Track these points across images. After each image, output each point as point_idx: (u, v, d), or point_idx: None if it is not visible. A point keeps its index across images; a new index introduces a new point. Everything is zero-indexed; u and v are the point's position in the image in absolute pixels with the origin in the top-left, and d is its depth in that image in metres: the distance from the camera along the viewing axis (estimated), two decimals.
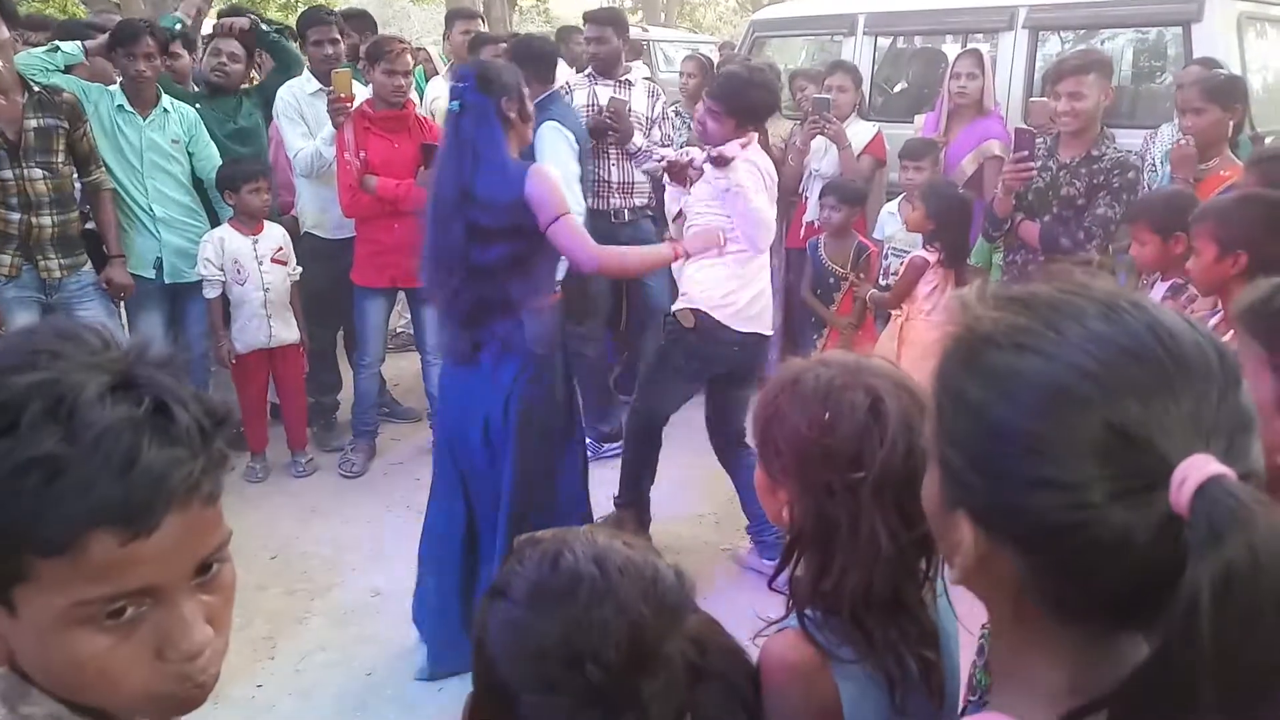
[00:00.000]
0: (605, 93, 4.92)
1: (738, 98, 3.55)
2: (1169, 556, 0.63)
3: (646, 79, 5.62)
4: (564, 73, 5.28)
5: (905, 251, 4.35)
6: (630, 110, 4.88)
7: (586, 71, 5.23)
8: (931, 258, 4.02)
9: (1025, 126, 4.23)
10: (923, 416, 1.17)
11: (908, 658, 1.21)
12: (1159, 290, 3.19)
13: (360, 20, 5.90)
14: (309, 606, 3.57)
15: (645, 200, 5.08)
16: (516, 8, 17.40)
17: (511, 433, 3.04)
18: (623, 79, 5.06)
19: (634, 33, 12.53)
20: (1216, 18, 4.75)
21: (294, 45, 5.04)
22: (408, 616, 3.39)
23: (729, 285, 3.56)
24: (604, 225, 4.77)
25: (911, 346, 3.91)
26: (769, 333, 3.76)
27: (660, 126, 5.17)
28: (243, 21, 4.78)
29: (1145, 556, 0.65)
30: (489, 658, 1.06)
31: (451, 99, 2.95)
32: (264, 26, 4.87)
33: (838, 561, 1.22)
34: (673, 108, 5.96)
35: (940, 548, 0.82)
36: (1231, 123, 3.91)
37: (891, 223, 4.72)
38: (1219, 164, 3.79)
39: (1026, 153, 3.81)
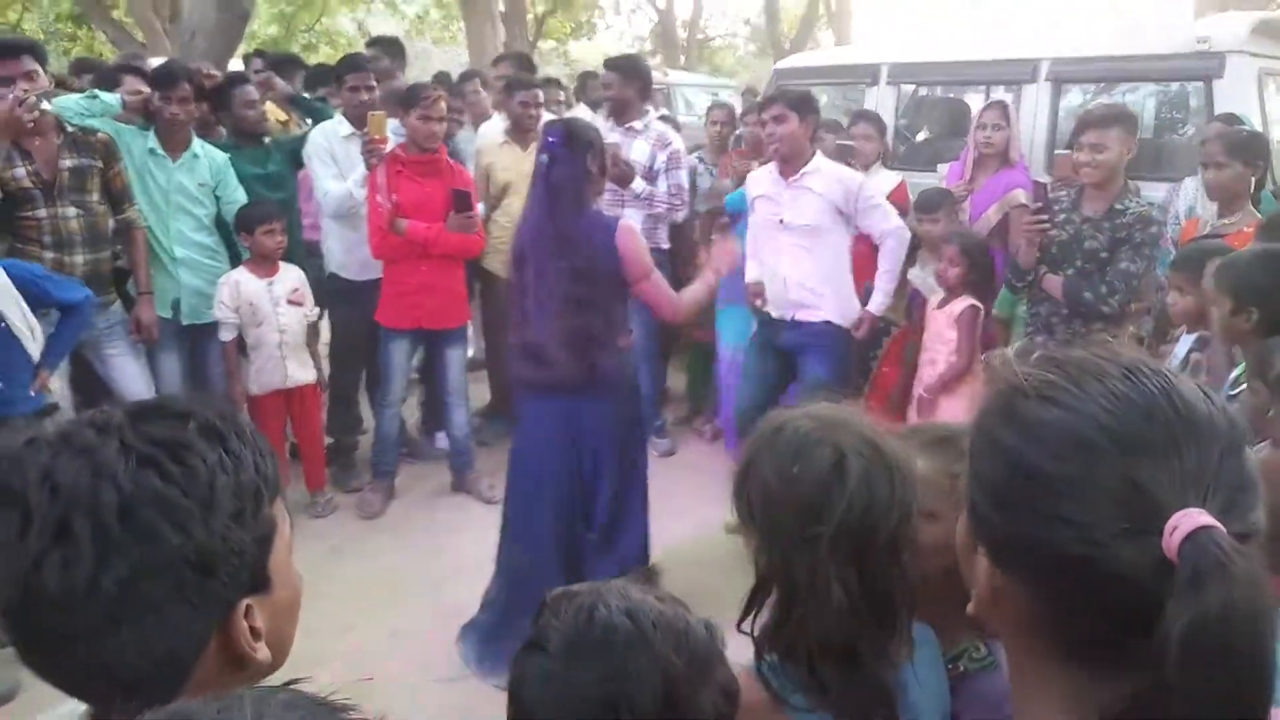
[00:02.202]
0: (613, 139, 5.04)
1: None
2: (1164, 599, 0.70)
3: (662, 118, 5.76)
4: (583, 114, 5.42)
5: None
6: (628, 160, 5.02)
7: (605, 115, 5.36)
8: (962, 306, 4.11)
9: (1041, 180, 4.32)
10: (889, 475, 1.26)
11: (862, 712, 1.25)
12: (1185, 342, 3.23)
13: (391, 45, 6.02)
14: (328, 648, 3.60)
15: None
16: (537, 50, 17.69)
17: (611, 457, 3.41)
18: (627, 126, 5.16)
19: (655, 76, 12.77)
20: (1238, 74, 4.83)
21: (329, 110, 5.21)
22: (426, 658, 3.42)
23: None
24: None
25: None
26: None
27: (666, 178, 5.20)
28: (286, 88, 4.91)
29: (1144, 597, 0.71)
30: (525, 709, 1.11)
31: (540, 153, 3.27)
32: (304, 95, 4.98)
33: (797, 611, 1.27)
34: (695, 154, 6.06)
35: (968, 586, 0.89)
36: (1253, 178, 3.97)
37: (915, 273, 4.78)
38: (1241, 219, 3.84)
39: (1041, 205, 3.90)
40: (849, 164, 4.85)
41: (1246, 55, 4.89)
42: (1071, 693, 0.80)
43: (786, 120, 4.13)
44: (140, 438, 0.85)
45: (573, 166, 3.22)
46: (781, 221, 4.24)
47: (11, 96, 3.64)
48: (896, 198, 5.07)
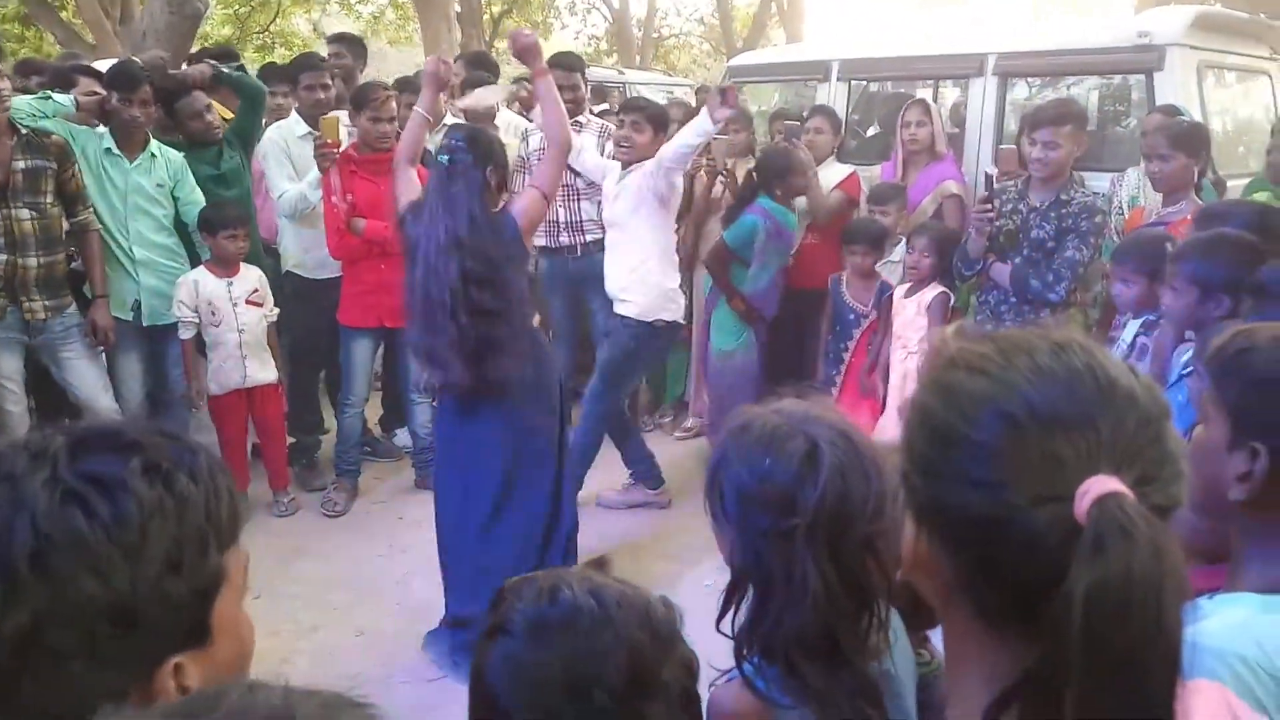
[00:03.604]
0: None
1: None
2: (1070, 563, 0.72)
3: (603, 112, 5.80)
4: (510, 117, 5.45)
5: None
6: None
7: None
8: (934, 293, 4.24)
9: (988, 170, 4.40)
10: (862, 465, 1.26)
11: (844, 707, 1.24)
12: (1132, 327, 3.30)
13: (354, 44, 5.97)
14: (294, 647, 3.58)
15: (598, 236, 5.13)
16: (493, 50, 17.59)
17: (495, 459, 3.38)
18: (572, 122, 5.16)
19: (607, 74, 12.77)
20: (1177, 66, 4.93)
21: (252, 77, 5.14)
22: (392, 656, 3.42)
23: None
24: (557, 262, 5.16)
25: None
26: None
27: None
28: (205, 69, 4.84)
29: (1054, 561, 0.73)
30: (490, 693, 1.12)
31: (441, 152, 3.24)
32: (224, 69, 4.91)
33: (773, 606, 1.27)
34: None
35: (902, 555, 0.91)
36: (1195, 168, 4.06)
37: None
38: (1185, 207, 3.93)
39: (988, 194, 4.00)
40: (794, 142, 5.04)
41: (1186, 48, 5.00)
42: (992, 655, 0.82)
43: (644, 131, 4.37)
44: (73, 470, 0.79)
45: (472, 173, 3.20)
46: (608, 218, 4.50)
47: None
48: (848, 188, 5.16)
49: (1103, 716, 0.70)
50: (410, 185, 3.44)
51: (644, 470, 4.73)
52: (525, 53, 3.51)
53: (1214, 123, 5.09)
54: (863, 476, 1.26)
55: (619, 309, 4.41)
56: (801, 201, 5.11)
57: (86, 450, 0.81)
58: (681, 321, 4.65)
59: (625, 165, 4.42)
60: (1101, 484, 0.73)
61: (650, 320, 4.37)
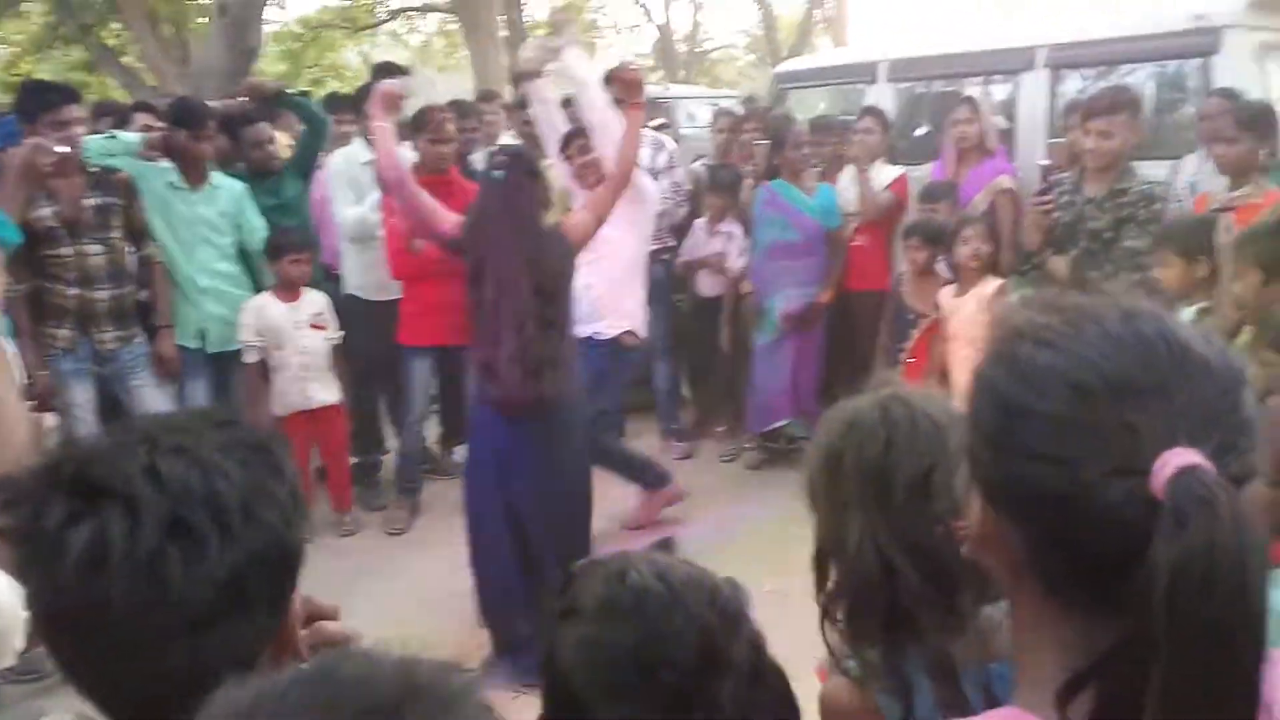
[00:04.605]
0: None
1: None
2: (1150, 538, 0.70)
3: (660, 127, 5.83)
4: None
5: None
6: None
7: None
8: (994, 286, 4.15)
9: (1042, 163, 4.34)
10: (912, 420, 1.23)
11: (915, 683, 1.19)
12: (1186, 315, 3.23)
13: (398, 71, 6.04)
14: None
15: (657, 246, 5.22)
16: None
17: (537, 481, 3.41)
18: None
19: (655, 91, 12.82)
20: (1235, 48, 4.81)
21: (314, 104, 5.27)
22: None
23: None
24: None
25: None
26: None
27: (666, 177, 5.35)
28: (271, 84, 4.99)
29: (1131, 536, 0.71)
30: (562, 674, 1.13)
31: (495, 168, 3.34)
32: (287, 90, 5.05)
33: (840, 571, 1.26)
34: (699, 161, 6.15)
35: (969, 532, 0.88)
36: (1262, 150, 3.95)
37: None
38: (1253, 190, 3.83)
39: (1044, 187, 3.92)
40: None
41: (1244, 29, 4.87)
42: (1064, 634, 0.80)
43: (591, 151, 4.27)
44: (228, 438, 0.87)
45: (530, 189, 3.29)
46: None
47: (29, 142, 3.73)
48: (897, 190, 5.14)
49: (1190, 691, 0.68)
50: (435, 205, 3.52)
51: (649, 477, 4.68)
52: (630, 87, 3.58)
53: (1277, 105, 4.95)
54: (910, 434, 1.23)
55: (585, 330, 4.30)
56: (850, 200, 5.12)
57: (217, 426, 0.89)
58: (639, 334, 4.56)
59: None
60: (1180, 456, 0.71)
61: (615, 335, 4.36)
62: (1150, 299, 0.85)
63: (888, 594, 1.21)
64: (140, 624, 0.79)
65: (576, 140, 4.30)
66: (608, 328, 4.33)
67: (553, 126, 4.35)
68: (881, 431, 1.23)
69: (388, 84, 3.70)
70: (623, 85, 3.63)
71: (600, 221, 3.54)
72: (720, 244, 5.49)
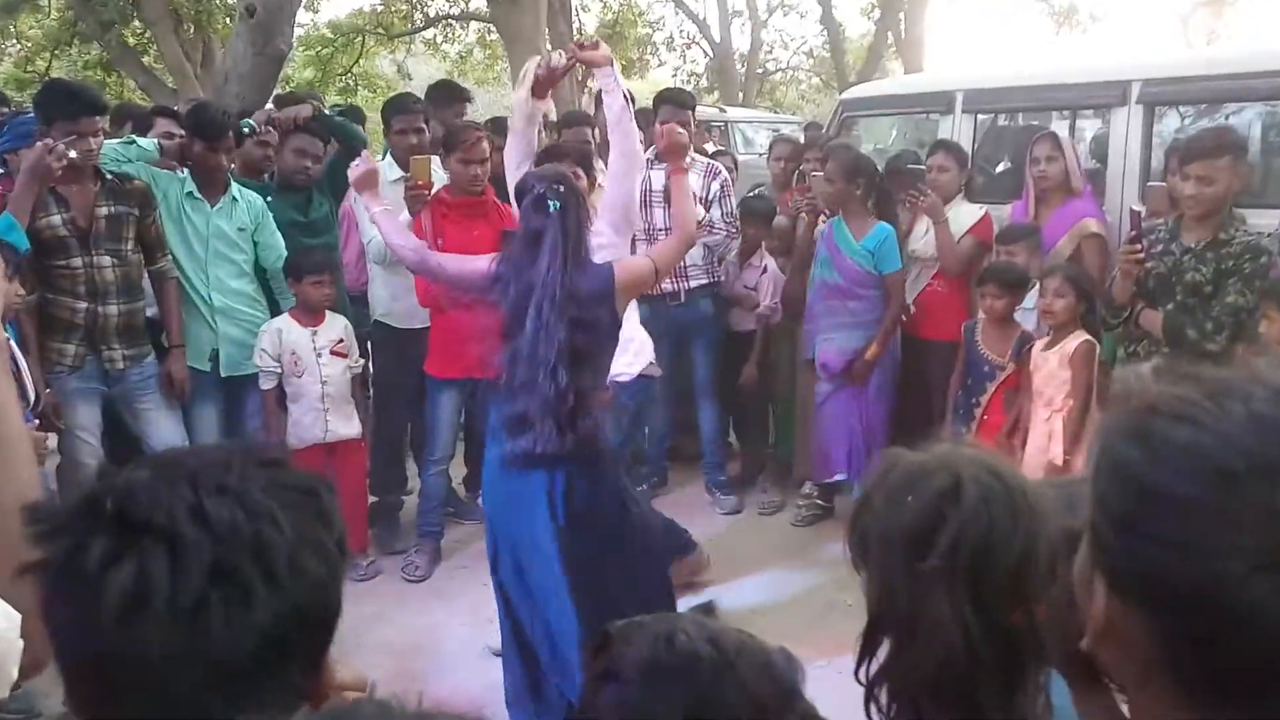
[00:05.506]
0: (659, 176, 5.14)
1: None
2: None
3: (718, 153, 5.86)
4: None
5: None
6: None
7: (647, 155, 5.47)
8: (1076, 342, 4.12)
9: (1135, 207, 4.31)
10: (1010, 501, 1.24)
11: None
12: None
13: (449, 91, 5.99)
14: None
15: (703, 281, 5.29)
16: (586, 89, 18.02)
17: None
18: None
19: (709, 113, 12.95)
20: None
21: (354, 124, 5.34)
22: None
23: None
24: (658, 309, 5.13)
25: None
26: None
27: (721, 205, 5.39)
28: (305, 110, 5.06)
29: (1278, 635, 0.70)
30: None
31: (546, 198, 3.26)
32: (325, 110, 5.12)
33: (907, 652, 1.25)
34: (755, 191, 6.19)
35: (1083, 620, 0.88)
36: None
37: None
38: None
39: (1135, 233, 3.88)
40: (920, 188, 5.07)
41: None
42: None
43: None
44: (272, 479, 0.89)
45: (578, 215, 3.26)
46: None
47: (39, 144, 3.81)
48: (980, 233, 5.10)
49: None
50: (464, 267, 3.58)
51: (673, 543, 4.58)
52: (674, 151, 3.62)
53: None
54: (1010, 515, 1.23)
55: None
56: (926, 246, 5.10)
57: (265, 463, 0.91)
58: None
59: None
60: None
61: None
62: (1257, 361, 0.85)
63: (970, 679, 1.21)
64: (177, 673, 0.80)
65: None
66: (627, 366, 4.35)
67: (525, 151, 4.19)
68: (984, 508, 1.23)
69: (358, 165, 3.79)
70: (668, 149, 3.65)
71: (661, 276, 3.56)
72: (753, 277, 5.55)
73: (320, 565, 0.88)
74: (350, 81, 21.10)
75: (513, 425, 3.31)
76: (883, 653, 1.30)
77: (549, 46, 16.23)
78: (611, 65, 3.78)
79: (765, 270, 5.55)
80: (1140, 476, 0.79)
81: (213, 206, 4.57)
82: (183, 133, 4.77)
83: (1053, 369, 4.19)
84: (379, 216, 3.72)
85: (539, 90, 3.90)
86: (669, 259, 3.63)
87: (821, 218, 5.38)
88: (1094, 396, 4.11)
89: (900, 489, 1.30)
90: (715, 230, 5.34)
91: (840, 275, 5.03)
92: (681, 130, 3.74)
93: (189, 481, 0.85)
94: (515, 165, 3.95)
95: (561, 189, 3.26)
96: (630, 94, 3.83)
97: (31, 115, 4.37)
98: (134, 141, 4.57)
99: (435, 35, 22.39)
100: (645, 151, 5.63)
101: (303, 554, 0.86)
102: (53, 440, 3.98)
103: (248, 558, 0.82)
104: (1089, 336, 4.14)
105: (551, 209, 3.23)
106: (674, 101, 5.46)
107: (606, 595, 3.26)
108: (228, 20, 14.96)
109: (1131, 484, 0.80)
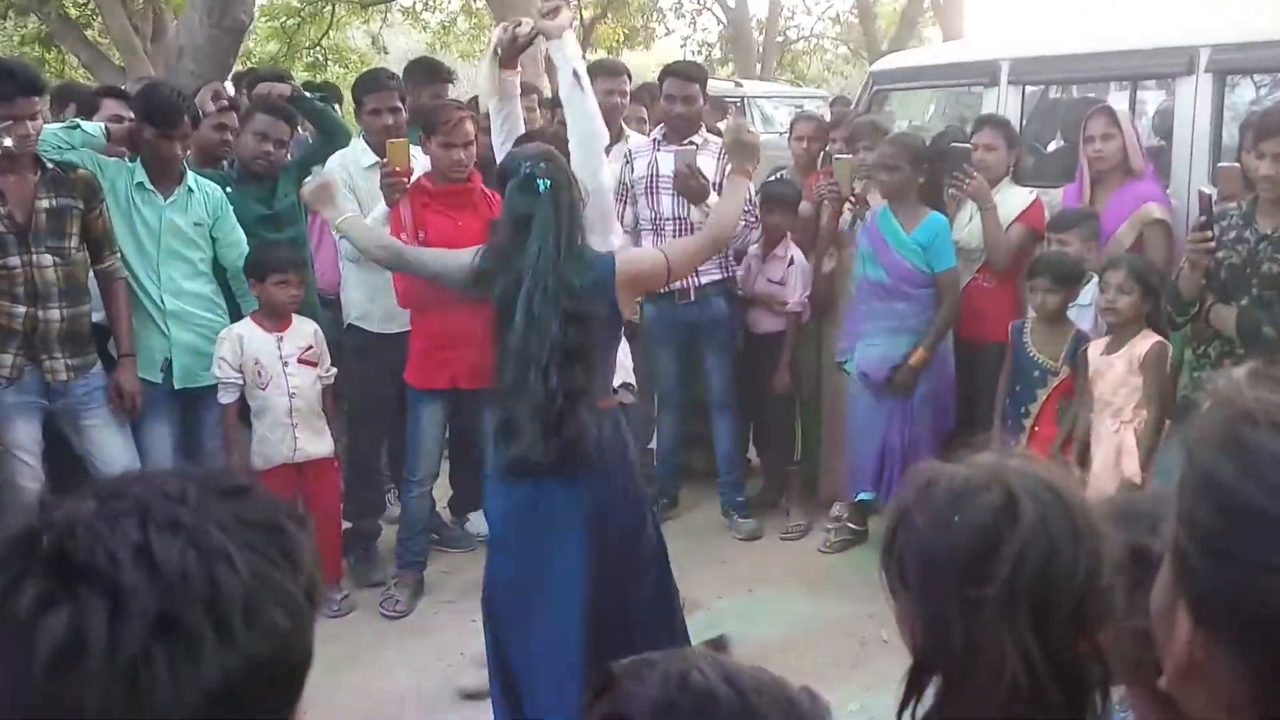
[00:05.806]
0: (667, 159, 5.15)
1: None
2: None
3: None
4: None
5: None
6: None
7: (652, 135, 5.47)
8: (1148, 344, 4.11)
9: (1204, 189, 4.30)
10: (1071, 521, 1.24)
11: None
12: None
13: (428, 70, 5.92)
14: None
15: (715, 277, 5.30)
16: (587, 54, 18.09)
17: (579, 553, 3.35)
18: (687, 142, 5.31)
19: (723, 86, 12.97)
20: None
21: (338, 112, 5.33)
22: None
23: None
24: (665, 308, 5.20)
25: None
26: None
27: None
28: (284, 88, 5.07)
29: None
30: None
31: (537, 177, 3.26)
32: (307, 94, 5.11)
33: (961, 691, 1.26)
34: (776, 174, 6.18)
35: (1161, 653, 0.88)
36: None
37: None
38: None
39: (1204, 219, 3.88)
40: (965, 170, 5.02)
41: None
42: None
43: None
44: (234, 514, 0.88)
45: (571, 197, 3.28)
46: None
47: None
48: (1032, 219, 5.09)
49: None
50: (444, 259, 3.64)
51: None
52: (737, 153, 3.63)
53: None
54: (1072, 536, 1.24)
55: None
56: (971, 235, 5.09)
57: (225, 494, 0.90)
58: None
59: None
60: None
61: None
62: None
63: (1021, 712, 1.22)
64: None
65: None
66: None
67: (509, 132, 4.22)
68: (1043, 527, 1.24)
69: (310, 183, 3.88)
70: (733, 147, 3.65)
71: (675, 275, 3.58)
72: (778, 271, 5.52)
73: (283, 615, 0.86)
74: (319, 56, 21.10)
75: (501, 432, 3.33)
76: (929, 692, 1.31)
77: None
78: (562, 37, 3.77)
79: (792, 262, 5.49)
80: (1233, 492, 0.79)
81: (166, 199, 4.55)
82: (132, 116, 4.75)
83: (1120, 375, 4.15)
84: (344, 227, 3.75)
85: (507, 60, 3.90)
86: (687, 259, 3.62)
87: (847, 205, 5.37)
88: (1170, 403, 4.10)
89: (945, 507, 1.30)
90: None
91: (886, 272, 4.96)
92: (751, 130, 3.73)
93: (137, 516, 0.84)
94: (499, 147, 3.97)
95: (550, 167, 3.26)
96: (579, 72, 3.83)
97: None
98: (78, 126, 4.56)
99: (414, 3, 22.47)
100: (653, 131, 5.67)
101: (262, 602, 0.85)
102: None
103: (198, 607, 0.82)
104: (1160, 338, 4.12)
105: (541, 189, 3.23)
106: (680, 74, 5.47)
107: (615, 624, 3.33)
108: None
109: (1223, 501, 0.80)
